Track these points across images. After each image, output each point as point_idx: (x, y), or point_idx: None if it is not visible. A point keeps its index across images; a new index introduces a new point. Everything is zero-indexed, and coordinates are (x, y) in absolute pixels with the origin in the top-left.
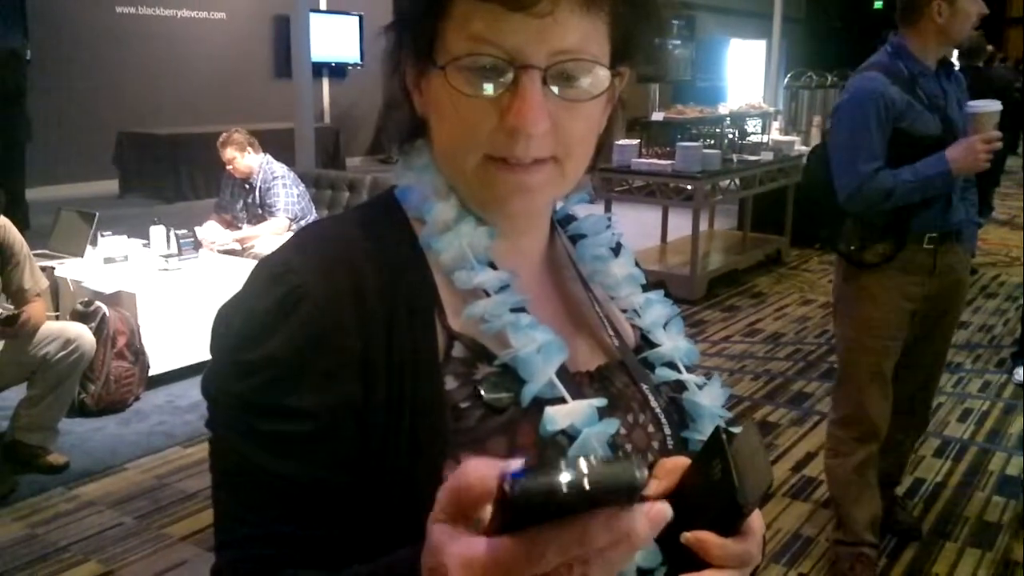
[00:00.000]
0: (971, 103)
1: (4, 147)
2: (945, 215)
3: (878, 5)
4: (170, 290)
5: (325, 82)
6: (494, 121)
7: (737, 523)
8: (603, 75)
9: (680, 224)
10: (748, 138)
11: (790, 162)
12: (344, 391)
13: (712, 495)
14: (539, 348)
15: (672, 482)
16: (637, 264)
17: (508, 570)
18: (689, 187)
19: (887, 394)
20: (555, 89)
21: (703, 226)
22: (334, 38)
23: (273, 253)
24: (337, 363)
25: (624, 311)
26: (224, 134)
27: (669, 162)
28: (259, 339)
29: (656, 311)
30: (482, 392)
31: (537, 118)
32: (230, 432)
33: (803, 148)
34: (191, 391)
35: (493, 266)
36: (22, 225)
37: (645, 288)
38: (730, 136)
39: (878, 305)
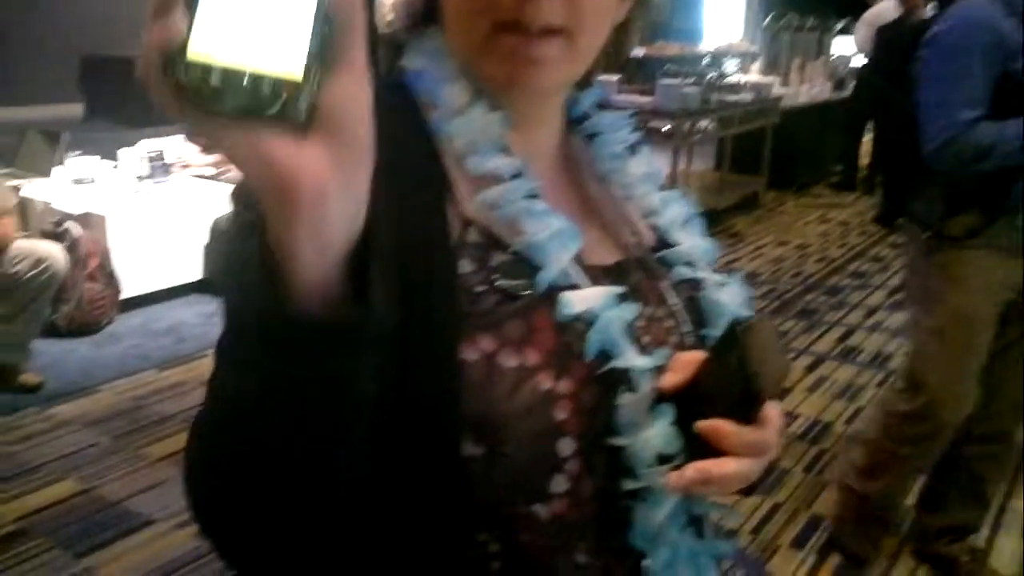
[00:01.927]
0: None
1: None
2: None
3: None
4: (141, 213)
5: None
6: None
7: (753, 412)
8: None
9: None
10: (728, 78)
11: (769, 103)
12: None
13: (728, 385)
14: (554, 234)
15: (688, 374)
16: (655, 163)
17: None
18: (668, 126)
19: (968, 393)
20: None
21: (680, 166)
22: None
23: None
24: None
25: (642, 208)
26: None
27: (649, 99)
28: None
29: (674, 210)
30: (497, 279)
31: None
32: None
33: (783, 90)
34: (166, 315)
35: (507, 153)
36: None
37: (663, 187)
38: (710, 76)
39: (963, 289)
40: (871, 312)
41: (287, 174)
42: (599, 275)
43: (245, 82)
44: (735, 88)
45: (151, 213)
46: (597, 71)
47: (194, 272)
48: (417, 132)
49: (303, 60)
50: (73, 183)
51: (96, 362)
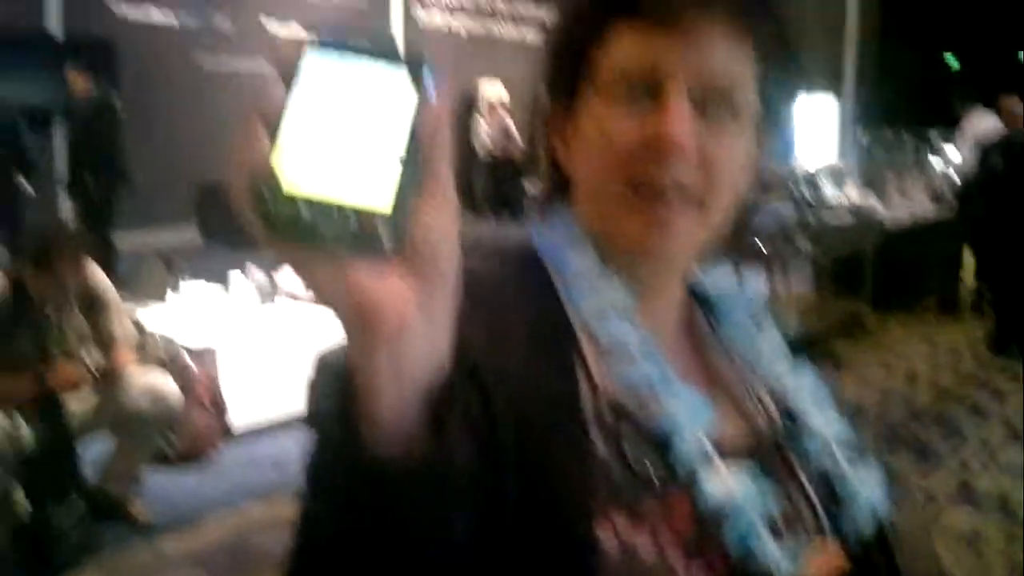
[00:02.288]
0: None
1: (98, 194)
2: None
3: (954, 66)
4: (250, 340)
5: None
6: (638, 137)
7: None
8: (751, 101)
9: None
10: (823, 197)
11: (868, 223)
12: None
13: None
14: (686, 410)
15: (831, 571)
16: (780, 334)
17: None
18: (763, 247)
19: None
20: (700, 111)
21: (777, 288)
22: None
23: None
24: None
25: (770, 384)
26: None
27: None
28: None
29: (805, 384)
30: (629, 455)
31: (682, 126)
32: None
33: (882, 209)
34: (271, 445)
35: (634, 324)
36: (110, 271)
37: (791, 360)
38: (805, 196)
39: None
40: (990, 448)
41: (369, 304)
42: (732, 454)
43: (331, 213)
44: (833, 208)
45: (258, 341)
46: (719, 246)
47: (298, 403)
48: (548, 301)
49: (390, 191)
50: (186, 309)
51: (202, 493)
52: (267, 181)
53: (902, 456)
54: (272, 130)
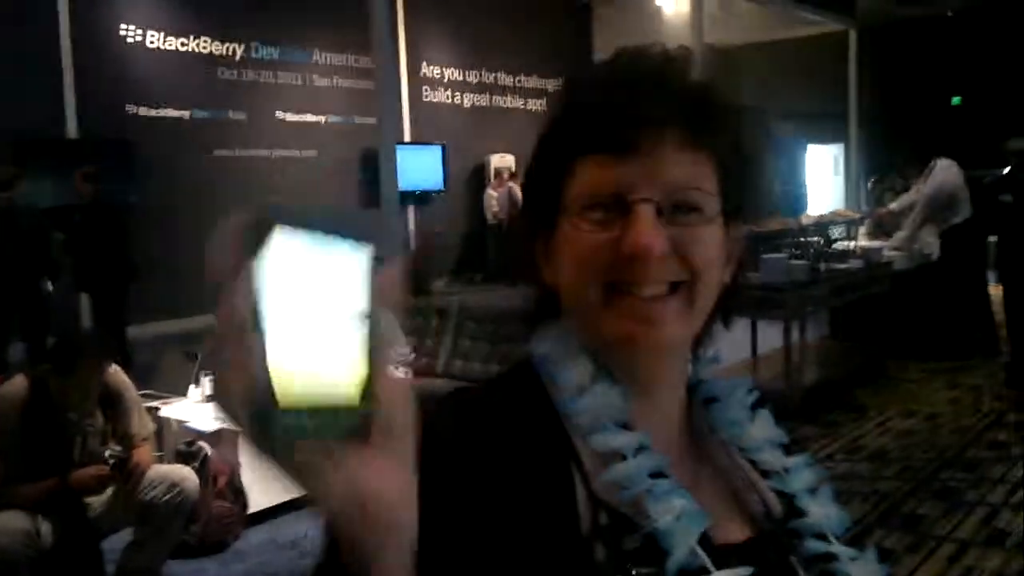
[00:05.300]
0: None
1: (110, 290)
2: None
3: (956, 100)
4: None
5: (410, 209)
6: (611, 251)
7: None
8: (715, 204)
9: (769, 335)
10: (834, 245)
11: (880, 268)
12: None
13: None
14: (679, 517)
15: None
16: (777, 425)
17: None
18: (777, 299)
19: None
20: (668, 218)
21: (794, 337)
22: (418, 168)
23: None
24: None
25: (767, 476)
26: None
27: (754, 274)
28: None
29: (802, 476)
30: (631, 567)
31: (652, 240)
32: None
33: (893, 254)
34: (290, 528)
35: (629, 428)
36: (125, 363)
37: (787, 450)
38: (816, 244)
39: None
40: (1016, 488)
41: (365, 492)
42: (728, 555)
43: (307, 416)
44: (843, 255)
45: None
46: (709, 336)
47: None
48: (543, 414)
49: (354, 387)
50: (206, 400)
51: None
52: (260, 398)
53: (927, 500)
54: (251, 318)
